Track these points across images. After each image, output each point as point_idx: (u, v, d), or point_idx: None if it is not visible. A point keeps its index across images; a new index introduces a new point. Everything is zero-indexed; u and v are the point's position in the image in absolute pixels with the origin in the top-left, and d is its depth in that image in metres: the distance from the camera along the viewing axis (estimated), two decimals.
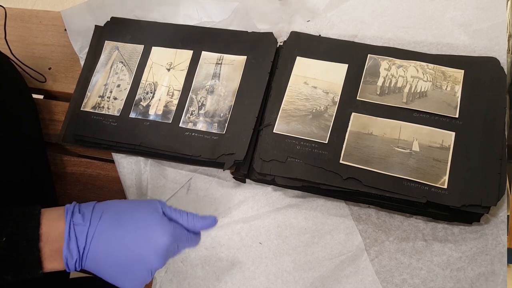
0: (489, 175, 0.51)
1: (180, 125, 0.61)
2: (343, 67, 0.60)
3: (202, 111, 0.62)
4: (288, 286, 0.54)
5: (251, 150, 0.58)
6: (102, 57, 0.69)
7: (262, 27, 0.68)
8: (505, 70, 0.57)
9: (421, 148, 0.53)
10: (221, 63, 0.64)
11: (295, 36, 0.64)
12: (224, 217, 0.59)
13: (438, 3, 0.65)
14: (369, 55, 0.60)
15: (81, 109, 0.66)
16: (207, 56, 0.65)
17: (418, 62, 0.58)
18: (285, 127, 0.58)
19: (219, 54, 0.65)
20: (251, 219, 0.58)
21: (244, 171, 0.58)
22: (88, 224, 0.42)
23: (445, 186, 0.51)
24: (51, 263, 0.42)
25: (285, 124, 0.58)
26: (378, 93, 0.58)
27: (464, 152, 0.53)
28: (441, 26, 0.63)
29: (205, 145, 0.59)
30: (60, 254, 0.41)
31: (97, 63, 0.68)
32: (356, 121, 0.57)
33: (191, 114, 0.62)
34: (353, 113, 0.57)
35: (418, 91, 0.57)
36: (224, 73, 0.63)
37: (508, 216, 0.52)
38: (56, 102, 0.72)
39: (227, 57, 0.64)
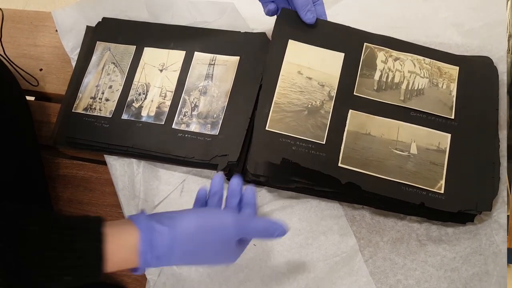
0: (483, 179, 0.51)
1: (173, 126, 0.61)
2: (339, 57, 0.58)
3: (195, 112, 0.61)
4: None
5: (245, 151, 0.58)
6: (94, 58, 0.68)
7: (255, 28, 0.67)
8: (498, 70, 0.57)
9: (419, 151, 0.53)
10: (214, 64, 0.64)
11: (287, 14, 0.59)
12: None
13: (431, 3, 0.65)
14: (365, 44, 0.58)
15: (73, 110, 0.65)
16: (199, 57, 0.65)
17: (415, 56, 0.58)
18: (278, 124, 0.56)
19: (212, 55, 0.64)
20: None
21: (237, 172, 0.57)
22: (163, 263, 0.41)
23: (442, 191, 0.51)
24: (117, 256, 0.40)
25: (278, 121, 0.56)
26: (375, 88, 0.57)
27: (460, 155, 0.52)
28: (434, 26, 0.63)
29: (198, 146, 0.59)
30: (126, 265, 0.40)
31: (89, 64, 0.68)
32: (354, 119, 0.55)
33: (184, 115, 0.62)
34: (350, 111, 0.55)
35: (415, 88, 0.56)
36: (217, 73, 0.63)
37: (508, 216, 0.52)
38: (47, 104, 0.71)
39: (220, 57, 0.64)
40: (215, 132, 0.59)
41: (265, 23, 0.66)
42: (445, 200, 0.50)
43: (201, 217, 0.42)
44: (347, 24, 0.65)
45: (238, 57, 0.63)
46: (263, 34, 0.64)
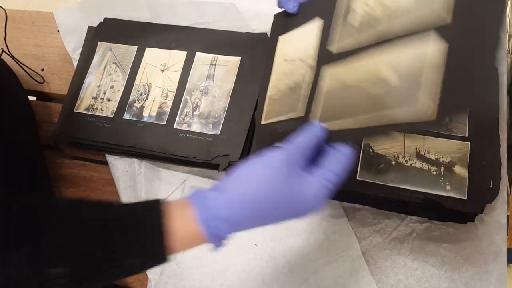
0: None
1: (175, 126, 0.61)
2: (318, 24, 0.51)
3: (196, 112, 0.62)
4: None
5: (246, 151, 0.58)
6: (95, 58, 0.68)
7: (255, 28, 0.67)
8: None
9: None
10: (215, 64, 0.64)
11: (281, 17, 0.58)
12: None
13: None
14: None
15: (74, 110, 0.65)
16: (201, 57, 0.65)
17: None
18: (270, 115, 0.53)
19: (213, 55, 0.64)
20: None
21: None
22: (236, 227, 0.38)
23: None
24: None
25: (270, 112, 0.53)
26: (356, 30, 0.45)
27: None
28: None
29: (199, 146, 0.59)
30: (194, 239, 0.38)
31: (90, 64, 0.68)
32: (329, 76, 0.47)
33: (186, 115, 0.62)
34: (323, 67, 0.47)
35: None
36: (218, 74, 0.63)
37: (508, 216, 0.52)
38: (49, 104, 0.71)
39: (222, 58, 0.64)
40: (216, 132, 0.60)
41: (266, 23, 0.66)
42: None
43: (245, 165, 0.39)
44: None
45: (239, 58, 0.63)
46: (264, 35, 0.64)
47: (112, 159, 0.64)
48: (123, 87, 0.65)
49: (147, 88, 0.65)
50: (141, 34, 0.68)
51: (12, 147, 0.58)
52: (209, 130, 0.60)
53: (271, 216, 0.39)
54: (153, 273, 0.57)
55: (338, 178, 0.40)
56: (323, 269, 0.54)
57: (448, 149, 0.53)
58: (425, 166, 0.53)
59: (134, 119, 0.63)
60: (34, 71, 0.73)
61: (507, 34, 0.62)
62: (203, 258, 0.56)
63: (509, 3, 0.64)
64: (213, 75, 0.63)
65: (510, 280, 0.53)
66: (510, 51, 0.64)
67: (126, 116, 0.63)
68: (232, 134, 0.59)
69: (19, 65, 0.70)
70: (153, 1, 0.72)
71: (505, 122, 0.56)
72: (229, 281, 0.55)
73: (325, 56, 0.48)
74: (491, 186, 0.51)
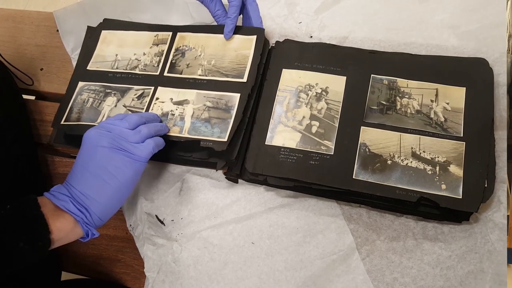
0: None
1: None
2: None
3: None
4: (280, 286, 0.54)
5: (243, 150, 0.58)
6: None
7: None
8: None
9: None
10: None
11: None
12: (216, 217, 0.59)
13: (427, 5, 0.66)
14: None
15: None
16: None
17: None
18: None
19: None
20: (243, 219, 0.58)
21: (236, 171, 0.58)
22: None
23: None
24: (57, 221, 0.47)
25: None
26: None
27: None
28: (431, 28, 0.64)
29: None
30: (59, 210, 0.48)
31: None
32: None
33: None
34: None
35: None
36: None
37: (508, 216, 0.53)
38: (47, 103, 0.72)
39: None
40: None
41: (265, 24, 0.67)
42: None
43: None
44: (345, 26, 0.67)
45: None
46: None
47: None
48: None
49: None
50: None
51: (3, 145, 0.58)
52: None
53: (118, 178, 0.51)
54: (150, 271, 0.57)
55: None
56: (319, 267, 0.54)
57: (443, 148, 0.54)
58: (421, 166, 0.53)
59: None
60: (23, 72, 0.73)
61: (507, 34, 0.62)
62: (200, 256, 0.57)
63: (509, 3, 0.65)
64: None
65: (510, 280, 0.53)
66: (510, 51, 0.64)
67: None
68: None
69: (11, 66, 0.70)
70: (154, 1, 0.73)
71: (505, 122, 0.56)
72: (226, 279, 0.55)
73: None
74: (486, 185, 0.51)
